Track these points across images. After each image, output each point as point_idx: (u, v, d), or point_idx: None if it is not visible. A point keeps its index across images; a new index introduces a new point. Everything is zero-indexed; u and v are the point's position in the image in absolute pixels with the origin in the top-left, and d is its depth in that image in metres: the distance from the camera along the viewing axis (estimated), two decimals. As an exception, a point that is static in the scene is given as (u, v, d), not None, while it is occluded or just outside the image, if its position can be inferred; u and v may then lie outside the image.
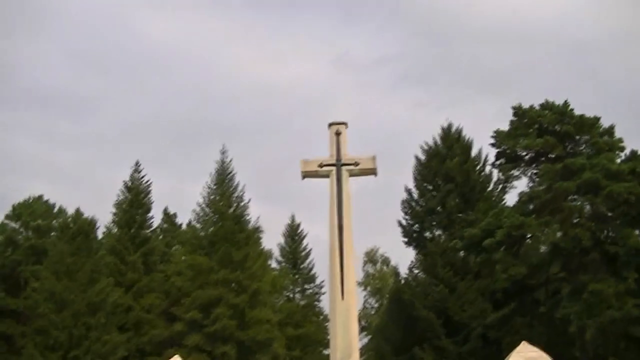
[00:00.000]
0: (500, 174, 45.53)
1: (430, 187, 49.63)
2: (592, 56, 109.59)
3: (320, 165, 18.08)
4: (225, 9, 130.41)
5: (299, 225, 63.31)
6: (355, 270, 17.61)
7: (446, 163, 48.47)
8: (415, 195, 49.92)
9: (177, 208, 65.12)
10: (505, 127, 43.51)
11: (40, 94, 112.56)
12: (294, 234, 62.90)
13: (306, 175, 18.29)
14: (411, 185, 49.92)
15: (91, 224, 48.57)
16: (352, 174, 18.05)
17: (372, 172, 18.25)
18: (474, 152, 49.79)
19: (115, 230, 51.79)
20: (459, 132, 50.58)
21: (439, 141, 50.50)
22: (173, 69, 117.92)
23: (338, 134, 18.30)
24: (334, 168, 17.96)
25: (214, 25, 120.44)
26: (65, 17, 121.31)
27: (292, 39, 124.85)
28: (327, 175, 18.03)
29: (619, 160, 40.22)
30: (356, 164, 18.06)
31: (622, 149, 41.01)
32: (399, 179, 79.25)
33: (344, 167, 17.96)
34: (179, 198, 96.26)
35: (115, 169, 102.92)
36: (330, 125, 18.47)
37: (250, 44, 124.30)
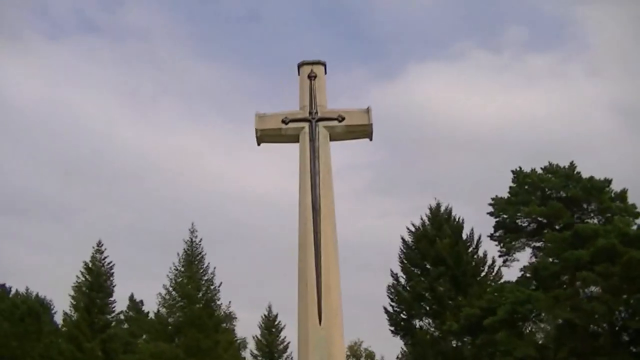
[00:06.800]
0: (500, 245, 38.26)
1: (418, 271, 42.64)
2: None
3: (285, 121, 11.06)
4: (200, 119, 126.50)
5: (276, 316, 57.03)
6: (339, 278, 10.35)
7: (436, 245, 41.81)
8: (403, 279, 43.04)
9: (144, 296, 57.28)
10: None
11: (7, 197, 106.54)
12: (270, 326, 55.74)
13: (263, 136, 11.22)
14: (397, 269, 43.15)
15: (43, 305, 41.28)
16: (334, 135, 11.06)
17: (366, 130, 11.21)
18: (465, 234, 42.95)
19: (75, 315, 44.01)
20: (448, 211, 44.01)
21: (427, 222, 43.66)
22: (149, 179, 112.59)
23: (312, 77, 11.40)
24: (306, 124, 11.02)
25: (190, 136, 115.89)
26: (43, 126, 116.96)
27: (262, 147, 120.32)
28: (295, 138, 11.04)
29: (634, 227, 33.36)
30: (341, 118, 11.09)
31: (637, 215, 34.32)
32: (369, 285, 72.56)
33: (321, 123, 11.02)
34: (147, 288, 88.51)
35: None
36: (301, 65, 11.58)
37: (223, 154, 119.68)
